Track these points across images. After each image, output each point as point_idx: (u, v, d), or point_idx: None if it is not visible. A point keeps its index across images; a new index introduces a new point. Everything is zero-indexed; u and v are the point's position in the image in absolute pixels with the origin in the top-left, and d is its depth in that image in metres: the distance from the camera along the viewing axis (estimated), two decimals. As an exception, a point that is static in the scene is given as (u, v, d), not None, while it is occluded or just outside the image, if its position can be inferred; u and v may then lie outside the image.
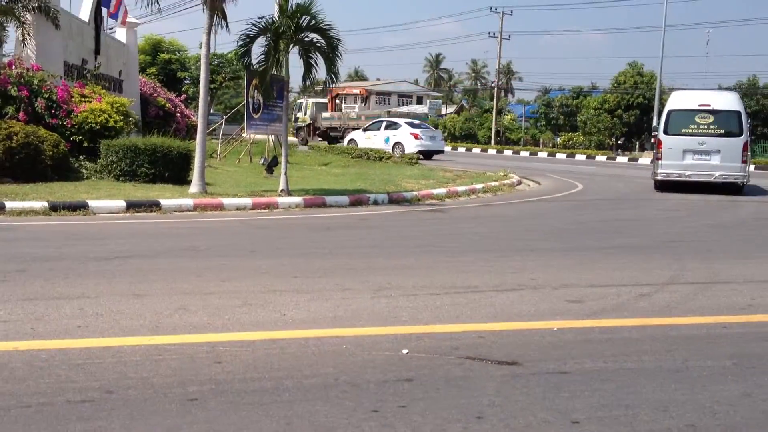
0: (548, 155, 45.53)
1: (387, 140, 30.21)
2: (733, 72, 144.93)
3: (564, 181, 21.85)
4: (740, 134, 18.74)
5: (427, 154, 27.53)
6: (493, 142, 58.46)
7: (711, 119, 18.76)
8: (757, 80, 53.41)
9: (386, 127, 31.49)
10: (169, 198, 12.46)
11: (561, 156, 44.63)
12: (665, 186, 19.25)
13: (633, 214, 14.42)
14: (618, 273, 7.69)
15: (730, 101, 19.55)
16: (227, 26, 14.30)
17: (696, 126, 18.78)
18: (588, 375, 4.41)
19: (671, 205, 15.92)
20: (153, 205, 11.86)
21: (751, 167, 30.66)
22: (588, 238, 10.72)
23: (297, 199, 13.42)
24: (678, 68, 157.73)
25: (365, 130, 32.77)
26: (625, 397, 4.05)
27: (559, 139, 58.61)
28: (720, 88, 49.16)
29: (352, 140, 32.37)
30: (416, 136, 29.95)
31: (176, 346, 4.72)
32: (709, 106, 18.96)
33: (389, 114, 40.20)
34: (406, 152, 27.20)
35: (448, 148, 52.65)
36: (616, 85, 55.33)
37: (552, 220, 13.29)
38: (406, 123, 31.78)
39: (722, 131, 18.71)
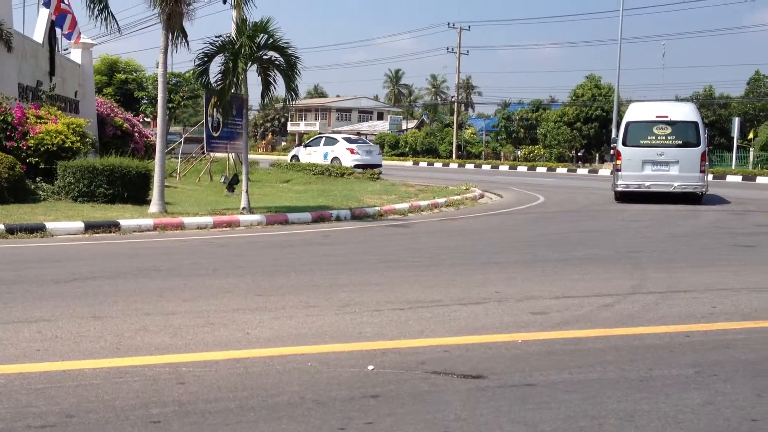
0: (510, 168, 45.99)
1: (326, 155, 31.41)
2: (689, 83, 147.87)
3: (526, 194, 22.04)
4: (698, 144, 19.02)
5: (365, 168, 28.19)
6: (454, 156, 58.86)
7: (669, 130, 19.05)
8: (713, 91, 54.57)
9: (325, 143, 32.78)
10: (129, 218, 12.30)
11: (522, 169, 45.13)
12: (626, 197, 19.57)
13: (594, 225, 14.57)
14: (581, 284, 7.75)
15: (687, 112, 19.84)
16: (187, 44, 14.21)
17: (654, 137, 19.08)
18: (553, 387, 4.42)
19: (632, 216, 16.13)
20: (112, 226, 11.70)
21: (710, 177, 31.52)
22: (550, 249, 10.80)
23: (259, 217, 13.34)
24: (635, 80, 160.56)
25: (306, 146, 34.37)
26: (590, 408, 4.06)
27: (520, 152, 59.23)
28: (677, 100, 50.19)
29: (294, 156, 34.00)
30: (352, 151, 31.14)
31: (138, 367, 4.64)
32: (667, 117, 19.29)
33: (337, 131, 40.39)
34: (343, 166, 28.23)
35: (409, 163, 53.05)
36: (574, 98, 56.13)
37: (515, 232, 13.37)
38: (344, 138, 33.32)
39: (680, 142, 19.02)
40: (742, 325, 6.05)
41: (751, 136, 45.25)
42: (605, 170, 39.10)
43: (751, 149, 45.11)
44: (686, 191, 19.15)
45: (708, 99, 53.06)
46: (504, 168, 46.50)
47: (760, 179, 34.10)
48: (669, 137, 19.04)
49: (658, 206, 18.29)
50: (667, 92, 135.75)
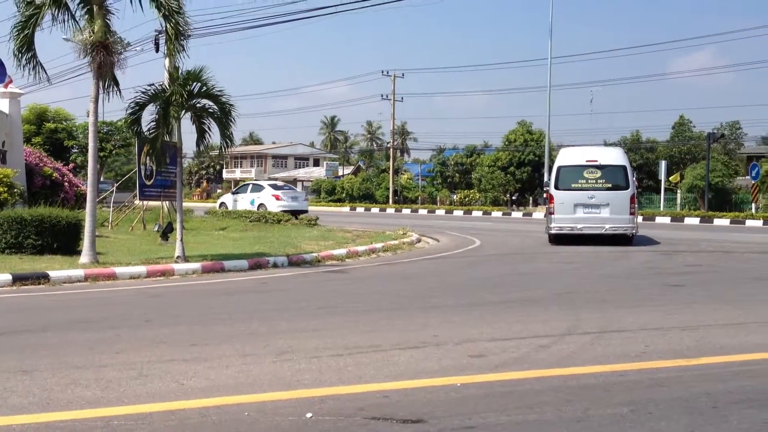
0: (446, 212, 46.39)
1: (252, 202, 32.09)
2: (617, 128, 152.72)
3: (462, 238, 22.24)
4: (627, 187, 19.54)
5: (291, 213, 28.62)
6: (391, 201, 59.21)
7: (599, 174, 19.54)
8: (640, 135, 56.45)
9: (252, 190, 33.50)
10: (59, 269, 11.97)
11: (458, 213, 45.57)
12: (559, 239, 19.93)
13: (530, 267, 14.76)
14: (518, 326, 7.82)
15: (615, 156, 20.49)
16: (120, 93, 14.04)
17: (585, 181, 19.55)
18: (492, 429, 4.42)
19: (566, 258, 16.40)
20: (41, 278, 11.37)
21: (639, 218, 32.68)
22: (487, 292, 10.89)
23: (194, 265, 13.14)
24: (565, 126, 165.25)
25: (234, 193, 35.09)
26: (529, 448, 4.07)
27: (455, 196, 59.95)
28: (605, 144, 51.65)
29: (223, 203, 34.70)
30: (278, 197, 31.80)
31: (68, 422, 4.51)
32: (596, 161, 19.81)
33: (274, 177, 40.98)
34: (278, 212, 28.65)
35: (346, 209, 53.14)
36: (507, 143, 57.30)
37: (452, 276, 13.45)
38: (269, 185, 33.93)
39: (610, 185, 19.50)
40: (674, 363, 6.17)
41: (673, 179, 46.68)
42: (539, 213, 39.79)
43: (678, 191, 46.60)
44: (617, 233, 19.54)
45: (635, 143, 54.87)
46: (440, 212, 46.88)
47: (687, 220, 35.14)
48: (599, 181, 19.52)
49: (591, 248, 18.67)
50: (595, 137, 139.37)
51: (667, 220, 35.69)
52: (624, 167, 19.83)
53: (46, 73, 13.89)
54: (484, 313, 8.80)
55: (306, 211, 31.87)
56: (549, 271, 14.17)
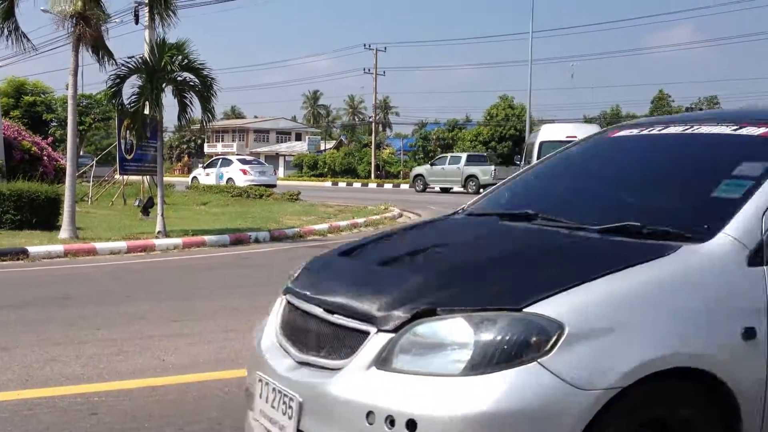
0: (427, 188, 46.32)
1: (221, 176, 32.55)
2: (597, 103, 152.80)
3: (444, 212, 22.23)
4: None
5: (260, 187, 29.13)
6: (373, 176, 59.10)
7: None
8: (620, 110, 56.47)
9: (221, 165, 34.06)
10: (38, 245, 11.86)
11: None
12: None
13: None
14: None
15: (592, 133, 20.82)
16: (115, 62, 13.73)
17: None
18: None
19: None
20: (20, 253, 11.26)
21: None
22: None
23: (175, 241, 13.07)
24: (546, 100, 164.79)
25: (205, 167, 35.68)
26: None
27: (437, 171, 59.85)
28: (585, 119, 51.82)
29: (194, 177, 35.20)
30: (245, 172, 32.22)
31: (48, 399, 4.49)
32: (575, 137, 20.17)
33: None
34: (237, 185, 29.29)
35: (328, 184, 53.01)
36: (488, 117, 57.23)
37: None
38: (238, 160, 34.65)
39: None
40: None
41: None
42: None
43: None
44: None
45: (615, 118, 54.89)
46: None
47: None
48: None
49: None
50: (576, 112, 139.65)
51: None
52: None
53: (30, 42, 13.68)
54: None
55: (274, 186, 32.10)
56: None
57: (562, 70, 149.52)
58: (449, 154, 42.09)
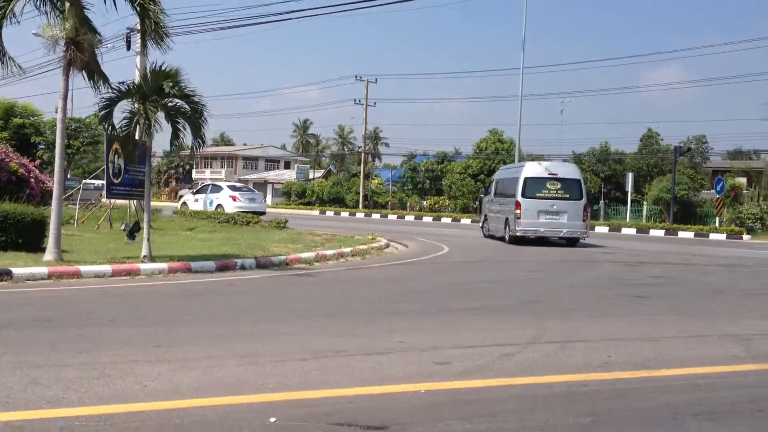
0: (415, 218, 46.47)
1: (211, 203, 32.49)
2: (586, 139, 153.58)
3: (431, 244, 22.30)
4: (581, 198, 23.26)
5: (249, 214, 28.87)
6: (361, 205, 59.18)
7: (559, 185, 23.10)
8: (609, 147, 56.66)
9: (211, 191, 33.98)
10: (22, 266, 11.79)
11: (428, 219, 45.66)
12: (519, 240, 23.05)
13: (497, 275, 14.86)
14: (482, 334, 7.86)
15: (572, 171, 24.67)
16: (110, 85, 13.72)
17: (548, 191, 23.02)
18: (456, 436, 4.44)
19: (533, 267, 16.54)
20: (3, 274, 11.18)
21: (605, 228, 34.65)
22: (454, 300, 10.93)
23: (161, 265, 13.02)
24: (536, 135, 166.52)
25: (195, 193, 35.61)
26: (491, 456, 4.09)
27: (425, 202, 59.95)
28: (573, 155, 52.20)
29: (184, 203, 35.25)
30: (234, 198, 32.22)
31: (28, 422, 4.46)
32: (557, 175, 23.44)
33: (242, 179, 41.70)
34: (226, 212, 29.13)
35: (316, 212, 53.06)
36: (478, 151, 57.44)
37: (419, 282, 13.49)
38: (228, 186, 34.58)
39: (568, 196, 23.05)
40: (636, 375, 6.25)
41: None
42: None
43: (645, 203, 47.07)
44: (572, 237, 23.20)
45: (604, 155, 55.17)
46: (410, 218, 46.96)
47: (653, 232, 35.55)
48: (559, 191, 23.03)
49: (558, 256, 18.93)
50: (565, 148, 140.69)
51: (633, 231, 36.10)
52: (579, 181, 23.77)
53: (18, 66, 13.66)
54: (450, 320, 8.84)
55: (264, 213, 32.09)
56: (516, 279, 14.27)
57: (551, 105, 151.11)
58: None
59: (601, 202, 48.98)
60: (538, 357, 6.74)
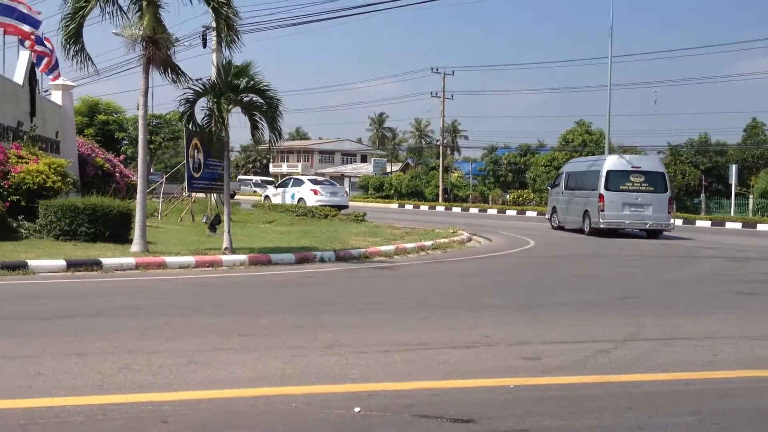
0: (498, 212, 45.83)
1: (293, 196, 32.72)
2: (682, 130, 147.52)
3: (515, 238, 21.89)
4: (666, 191, 23.51)
5: (331, 208, 29.03)
6: (440, 199, 58.85)
7: (642, 178, 23.41)
8: (709, 137, 54.24)
9: (293, 185, 34.26)
10: (110, 257, 12.10)
11: (511, 213, 44.82)
12: (600, 233, 23.37)
13: (588, 270, 14.36)
14: (574, 329, 7.61)
15: (656, 164, 25.09)
16: (190, 80, 13.99)
17: (631, 184, 23.31)
18: (547, 433, 4.27)
19: (627, 261, 16.02)
20: (94, 264, 11.49)
21: (707, 222, 35.40)
22: (542, 294, 10.67)
23: (241, 257, 13.16)
24: (628, 126, 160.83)
25: (277, 187, 36.10)
26: (588, 454, 3.91)
27: (508, 195, 59.04)
28: (669, 146, 50.62)
29: (267, 197, 35.53)
30: (316, 192, 32.35)
31: (121, 405, 4.52)
32: (640, 168, 23.78)
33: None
34: (308, 206, 29.24)
35: (394, 206, 53.09)
36: (564, 143, 56.22)
37: (504, 276, 13.25)
38: (309, 180, 34.81)
39: (652, 188, 23.30)
40: (743, 374, 5.93)
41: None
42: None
43: (751, 196, 44.84)
44: (657, 229, 23.49)
45: (703, 146, 52.82)
46: (492, 212, 46.39)
47: (760, 227, 32.99)
48: (643, 184, 23.33)
49: (653, 250, 18.42)
50: (659, 139, 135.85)
51: (738, 225, 33.73)
52: (663, 173, 24.12)
53: (94, 65, 14.02)
54: (538, 314, 8.60)
55: (346, 207, 32.18)
56: (609, 274, 13.79)
57: (643, 95, 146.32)
58: None
59: (702, 195, 46.96)
60: (636, 354, 6.45)
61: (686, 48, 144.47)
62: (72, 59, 13.53)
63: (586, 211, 24.03)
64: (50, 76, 22.07)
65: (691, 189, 48.20)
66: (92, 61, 13.84)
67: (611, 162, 24.21)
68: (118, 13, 13.41)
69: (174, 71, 13.84)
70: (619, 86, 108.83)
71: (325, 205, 29.42)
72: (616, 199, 23.00)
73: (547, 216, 29.09)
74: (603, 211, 22.94)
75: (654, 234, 23.61)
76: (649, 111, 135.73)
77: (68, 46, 13.35)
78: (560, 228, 26.41)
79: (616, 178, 23.34)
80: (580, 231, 24.50)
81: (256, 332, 6.94)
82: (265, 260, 13.35)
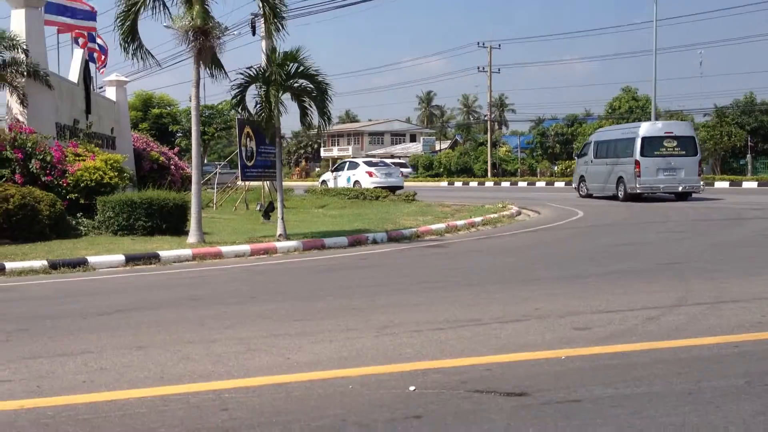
0: (546, 184, 45.53)
1: (348, 179, 32.90)
2: (729, 90, 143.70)
3: (564, 210, 21.80)
4: (696, 154, 24.68)
5: (386, 189, 29.19)
6: (489, 174, 58.59)
7: (675, 143, 24.49)
8: (754, 97, 52.88)
9: (348, 168, 34.34)
10: (168, 249, 12.41)
11: (560, 184, 44.46)
12: (635, 198, 24.62)
13: (636, 238, 14.35)
14: (623, 298, 7.63)
15: (686, 129, 26.18)
16: (226, 74, 14.26)
17: (665, 149, 24.40)
18: (599, 402, 4.34)
19: (673, 227, 15.89)
20: (152, 258, 11.81)
21: (753, 184, 35.35)
22: (591, 264, 10.67)
23: (295, 243, 13.38)
24: (673, 90, 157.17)
25: (333, 171, 36.14)
26: (638, 422, 3.98)
27: (556, 167, 58.49)
28: (715, 108, 49.45)
29: (324, 181, 36.01)
30: (371, 174, 32.42)
31: (181, 395, 4.66)
32: (672, 133, 24.89)
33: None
34: (363, 188, 29.60)
35: (444, 184, 53.01)
36: (610, 110, 55.45)
37: (553, 248, 13.24)
38: (364, 162, 34.86)
39: (684, 152, 24.39)
40: (792, 334, 5.90)
41: None
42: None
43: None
44: (689, 191, 24.64)
45: (749, 105, 51.40)
46: (541, 184, 46.08)
47: None
48: (675, 149, 24.42)
49: (698, 215, 18.14)
50: (706, 101, 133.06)
51: None
52: (694, 137, 25.30)
53: (154, 58, 14.23)
54: (587, 285, 8.63)
55: (401, 187, 32.26)
56: (656, 240, 13.74)
57: (689, 58, 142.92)
58: None
59: (748, 156, 45.94)
60: (685, 319, 6.47)
61: (730, 7, 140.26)
62: (132, 56, 13.76)
63: (620, 177, 25.10)
64: (101, 71, 22.52)
65: (737, 150, 47.03)
66: (152, 55, 14.05)
67: (645, 128, 25.06)
68: (169, 5, 13.58)
69: (216, 65, 14.03)
70: (664, 50, 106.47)
71: (380, 187, 29.59)
72: (651, 165, 24.06)
73: (574, 185, 30.20)
74: (639, 176, 24.07)
75: (683, 196, 24.86)
76: (694, 74, 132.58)
77: (126, 44, 13.55)
78: (588, 196, 27.57)
79: (650, 144, 24.30)
80: (613, 198, 25.43)
81: (312, 317, 7.10)
82: (319, 245, 13.55)
